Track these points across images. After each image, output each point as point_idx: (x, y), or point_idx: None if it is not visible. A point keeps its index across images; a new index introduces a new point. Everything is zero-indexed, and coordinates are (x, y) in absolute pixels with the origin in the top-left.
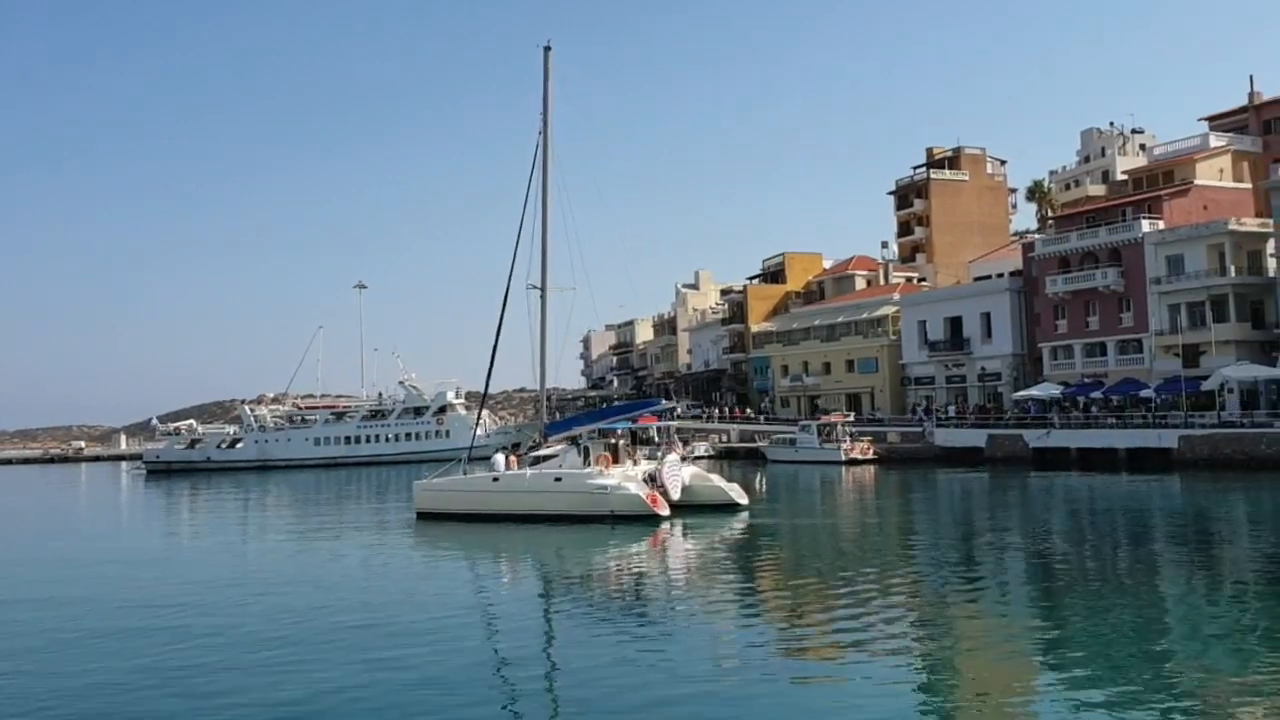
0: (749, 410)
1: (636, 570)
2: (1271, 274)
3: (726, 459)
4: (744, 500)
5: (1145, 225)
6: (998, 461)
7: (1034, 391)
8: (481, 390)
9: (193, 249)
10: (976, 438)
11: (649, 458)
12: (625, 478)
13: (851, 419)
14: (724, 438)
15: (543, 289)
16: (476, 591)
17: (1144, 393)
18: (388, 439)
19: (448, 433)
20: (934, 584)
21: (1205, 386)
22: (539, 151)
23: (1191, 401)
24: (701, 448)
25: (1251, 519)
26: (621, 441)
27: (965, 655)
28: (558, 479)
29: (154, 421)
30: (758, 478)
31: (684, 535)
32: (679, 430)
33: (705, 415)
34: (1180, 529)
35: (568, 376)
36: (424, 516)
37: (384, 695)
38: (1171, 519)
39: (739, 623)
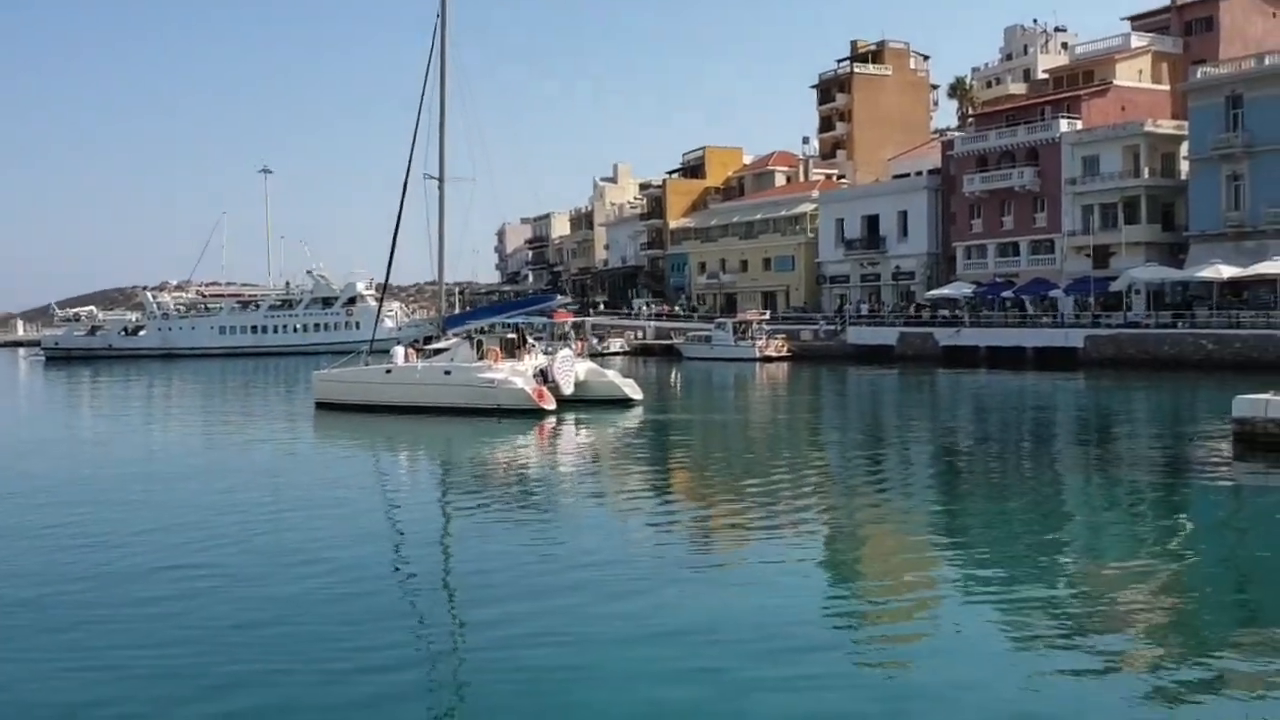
0: (669, 307)
1: (533, 462)
2: (1184, 177)
3: (642, 355)
4: (638, 395)
5: (1063, 125)
6: (908, 359)
7: (946, 290)
8: (393, 282)
9: (84, 124)
10: (888, 336)
11: (547, 353)
12: (514, 372)
13: (767, 316)
14: (640, 334)
15: (440, 179)
16: (371, 483)
17: (1053, 293)
18: (296, 329)
19: (357, 324)
20: (839, 477)
21: (1114, 287)
22: (436, 37)
23: (1100, 302)
24: (616, 344)
25: (1150, 417)
26: (518, 336)
27: (869, 546)
28: (447, 372)
29: (53, 308)
30: (672, 374)
31: (576, 429)
32: (595, 326)
33: (635, 312)
34: (1081, 426)
35: (482, 270)
36: (322, 407)
37: (283, 585)
38: (1073, 416)
39: (639, 514)
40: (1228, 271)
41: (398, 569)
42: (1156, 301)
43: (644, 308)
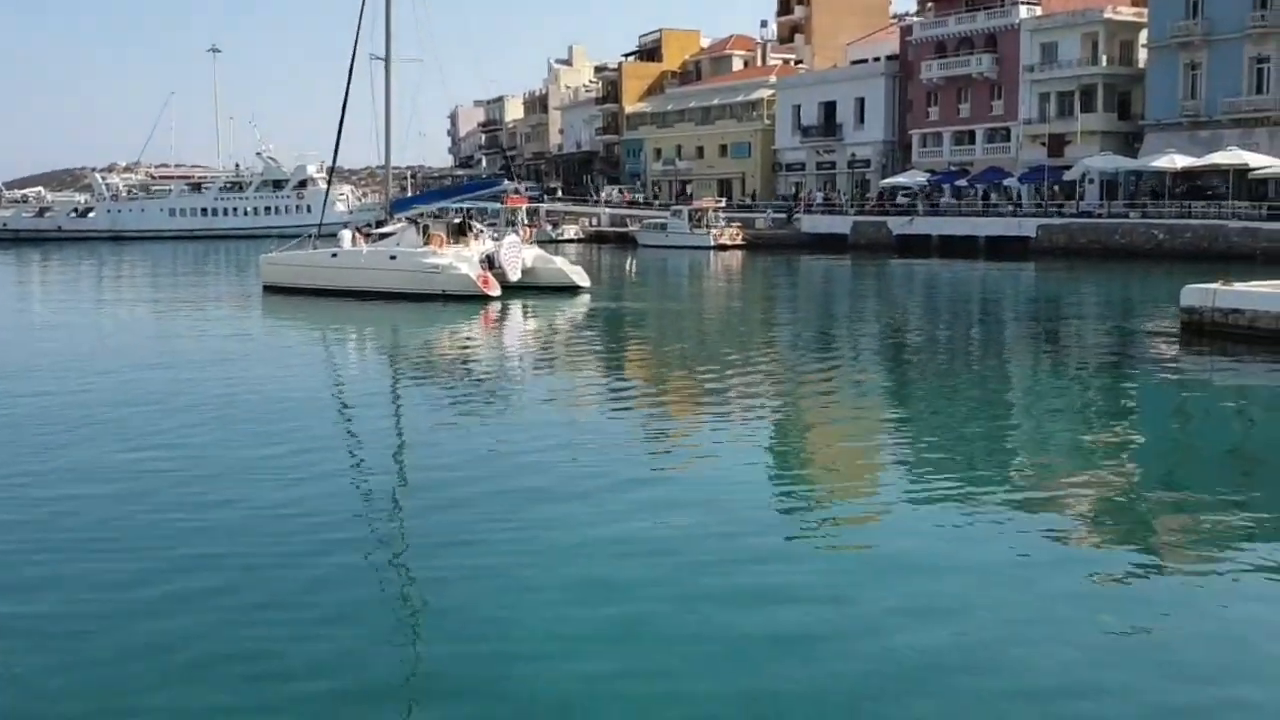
0: (631, 195)
1: (481, 349)
2: (1141, 65)
3: (596, 243)
4: (585, 283)
5: (1023, 11)
6: (862, 248)
7: (900, 179)
8: (345, 166)
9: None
10: (842, 224)
11: (494, 239)
12: (459, 258)
13: (722, 204)
14: (595, 221)
15: (386, 60)
16: (316, 370)
17: (1008, 182)
18: (246, 212)
19: (309, 207)
20: (791, 365)
21: (1068, 177)
22: None
23: (1054, 191)
24: (571, 231)
25: (1099, 305)
26: (465, 222)
27: (820, 431)
28: (392, 257)
29: (0, 189)
30: (628, 263)
31: (523, 316)
32: (549, 213)
33: (604, 199)
34: (1031, 314)
35: (434, 154)
36: (270, 290)
37: (230, 473)
38: (1024, 305)
39: (588, 400)
40: (1182, 161)
41: (346, 457)
42: (1110, 191)
43: (615, 194)
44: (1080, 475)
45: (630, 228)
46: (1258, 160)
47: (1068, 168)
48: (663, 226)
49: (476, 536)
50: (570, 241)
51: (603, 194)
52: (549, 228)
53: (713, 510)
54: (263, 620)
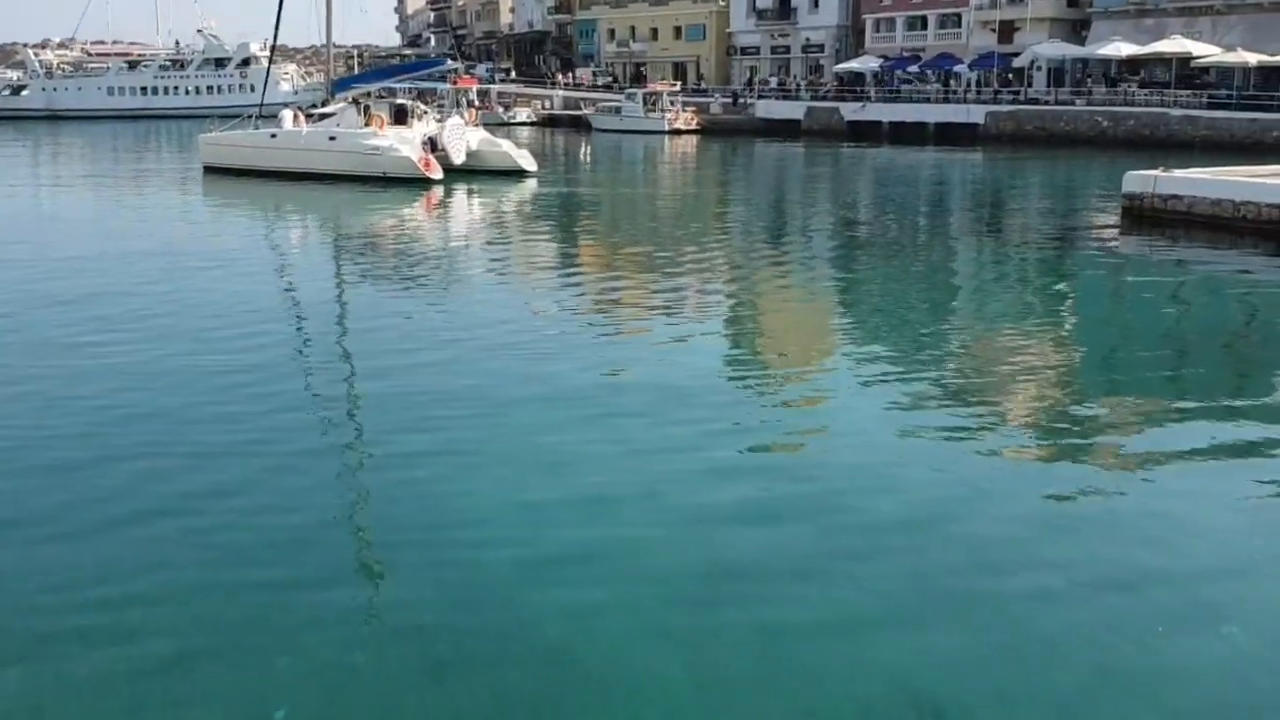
0: (579, 76)
1: (422, 232)
2: None
3: (549, 126)
4: (532, 167)
5: None
6: (815, 134)
7: (853, 65)
8: (289, 44)
9: None
10: (795, 110)
11: (438, 120)
12: (400, 140)
13: (677, 88)
14: (547, 104)
15: None
16: (257, 254)
17: (958, 68)
18: (187, 91)
19: (251, 87)
20: (741, 250)
21: (1017, 64)
22: None
23: (1003, 78)
24: (523, 114)
25: (1043, 191)
26: (408, 103)
27: (769, 314)
28: (332, 138)
29: None
30: (582, 147)
31: (467, 200)
32: (501, 95)
33: (569, 82)
34: (976, 200)
35: (381, 33)
36: (210, 171)
37: (171, 360)
38: (970, 190)
39: (532, 285)
40: (1127, 49)
41: (288, 344)
42: (1056, 78)
43: (589, 76)
44: (1021, 356)
45: (584, 111)
46: (1200, 49)
47: (1017, 54)
48: (617, 110)
49: (427, 419)
50: (522, 125)
51: (567, 76)
52: (500, 110)
53: (665, 391)
54: (212, 509)
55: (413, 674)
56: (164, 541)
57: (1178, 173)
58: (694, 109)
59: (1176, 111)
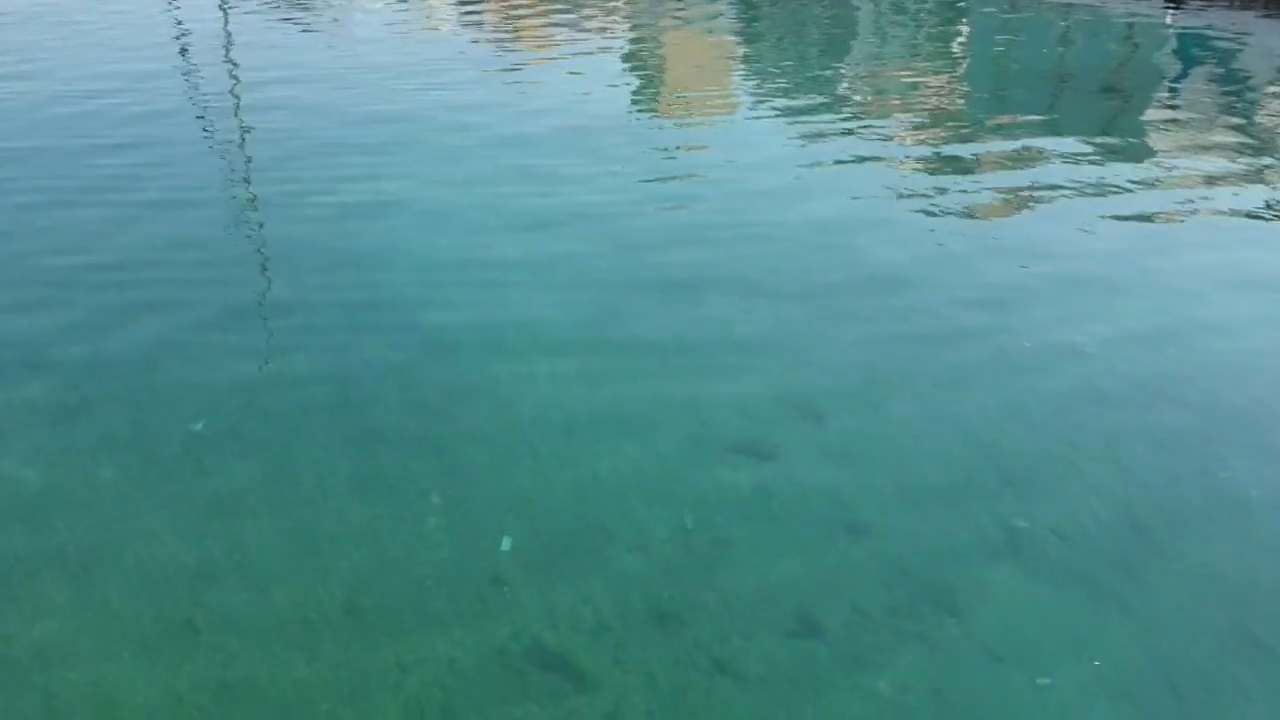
0: None
1: None
2: None
3: None
4: None
5: None
6: None
7: None
8: None
9: None
10: None
11: None
12: None
13: None
14: None
15: None
16: None
17: None
18: None
19: None
20: None
21: None
22: None
23: None
24: None
25: None
26: None
27: (672, 51)
28: None
29: None
30: None
31: None
32: None
33: None
34: None
35: None
36: None
37: (66, 98)
38: None
39: (438, 24)
40: None
41: (178, 83)
42: None
43: None
44: (913, 91)
45: None
46: None
47: None
48: None
49: (332, 148)
50: None
51: None
52: None
53: (562, 119)
54: (110, 245)
55: (322, 400)
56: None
57: None
58: None
59: None
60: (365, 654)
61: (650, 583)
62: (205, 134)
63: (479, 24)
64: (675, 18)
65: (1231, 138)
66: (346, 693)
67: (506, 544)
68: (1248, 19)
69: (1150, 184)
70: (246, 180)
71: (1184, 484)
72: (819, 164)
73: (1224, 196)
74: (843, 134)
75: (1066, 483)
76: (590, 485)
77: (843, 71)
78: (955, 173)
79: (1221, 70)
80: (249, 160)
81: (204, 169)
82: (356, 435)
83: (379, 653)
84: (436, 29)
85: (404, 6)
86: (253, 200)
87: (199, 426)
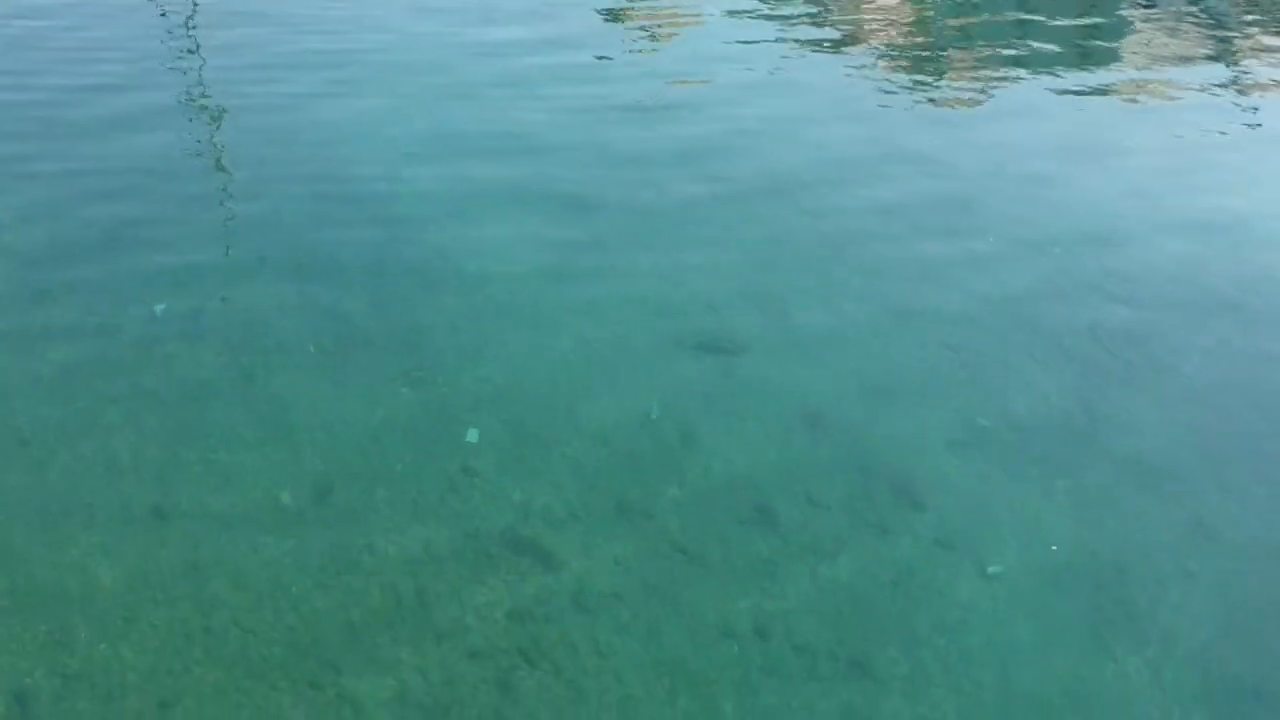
0: None
1: None
2: None
3: None
4: None
5: None
6: None
7: None
8: None
9: None
10: None
11: None
12: None
13: None
14: None
15: None
16: None
17: None
18: None
19: None
20: None
21: None
22: None
23: None
24: None
25: None
26: None
27: None
28: None
29: None
30: None
31: None
32: None
33: None
34: None
35: None
36: None
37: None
38: None
39: None
40: None
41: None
42: None
43: None
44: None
45: None
46: None
47: None
48: None
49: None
50: None
51: None
52: None
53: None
54: (79, 150)
55: (289, 289)
56: (22, 175)
57: None
58: None
59: None
60: (336, 538)
61: (615, 472)
62: (163, 17)
63: None
64: None
65: (1200, 42)
66: (316, 573)
67: (473, 436)
68: None
69: (1117, 88)
70: (192, 48)
71: (1136, 377)
72: (785, 60)
73: (1192, 100)
74: (816, 46)
75: (1022, 376)
76: (558, 376)
77: None
78: (923, 72)
79: None
80: (190, 24)
81: (161, 58)
82: (323, 324)
83: (350, 537)
84: None
85: None
86: (207, 83)
87: (160, 309)
